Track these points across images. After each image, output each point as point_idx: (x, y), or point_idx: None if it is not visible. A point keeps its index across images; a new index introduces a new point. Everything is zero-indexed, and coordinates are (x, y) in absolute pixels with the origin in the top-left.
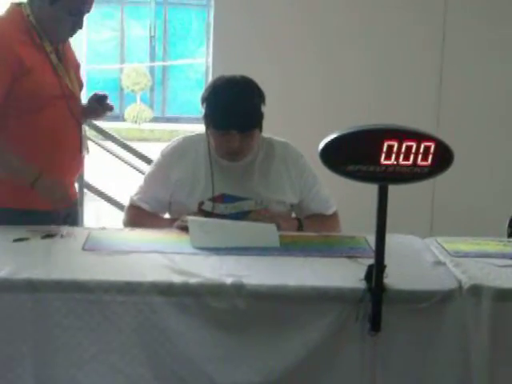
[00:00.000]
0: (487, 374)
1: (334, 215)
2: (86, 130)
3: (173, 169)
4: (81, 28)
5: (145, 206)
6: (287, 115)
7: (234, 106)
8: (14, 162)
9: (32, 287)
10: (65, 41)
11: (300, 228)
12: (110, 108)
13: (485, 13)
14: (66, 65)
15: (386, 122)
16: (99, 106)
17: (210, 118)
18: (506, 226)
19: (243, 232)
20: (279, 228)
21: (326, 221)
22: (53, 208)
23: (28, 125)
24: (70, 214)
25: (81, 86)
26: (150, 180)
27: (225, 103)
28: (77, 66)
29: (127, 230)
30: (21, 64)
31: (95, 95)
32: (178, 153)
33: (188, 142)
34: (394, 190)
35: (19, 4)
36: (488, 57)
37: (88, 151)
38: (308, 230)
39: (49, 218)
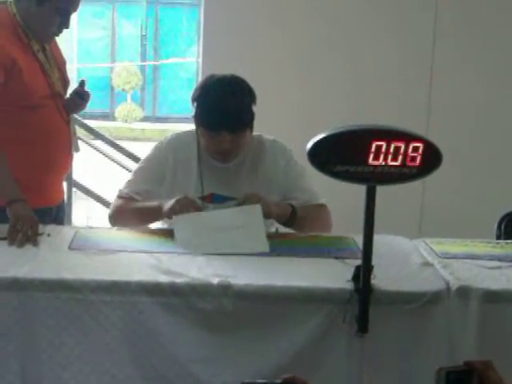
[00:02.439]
0: None
1: (324, 206)
2: (76, 129)
3: (166, 164)
4: (67, 27)
5: (136, 196)
6: (277, 115)
7: (224, 106)
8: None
9: (18, 286)
10: (51, 40)
11: (293, 214)
12: (88, 95)
13: (475, 15)
14: (53, 63)
15: (374, 122)
16: (78, 97)
17: (201, 119)
18: (495, 227)
19: (231, 236)
20: (271, 214)
21: (318, 208)
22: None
23: (19, 124)
24: (59, 212)
25: (67, 83)
26: (143, 173)
27: (215, 104)
28: (63, 63)
29: (114, 229)
30: (13, 63)
31: (74, 90)
32: (171, 149)
33: (180, 139)
34: (382, 190)
35: (4, 2)
36: (478, 59)
37: (78, 149)
38: (301, 215)
39: (41, 214)
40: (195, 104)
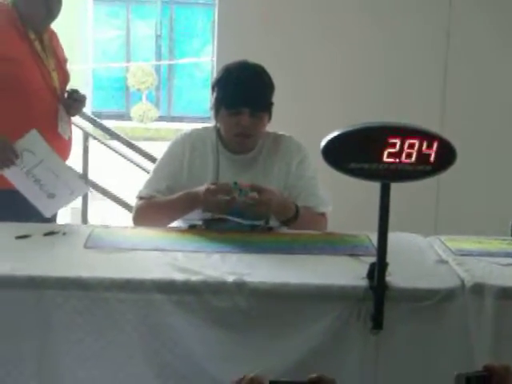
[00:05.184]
0: None
1: (324, 215)
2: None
3: (183, 157)
4: (59, 10)
5: (158, 195)
6: (292, 114)
7: (247, 84)
8: None
9: (34, 284)
10: (46, 25)
11: (293, 217)
12: (81, 99)
13: (490, 10)
14: (50, 54)
15: (389, 119)
16: (72, 101)
17: (222, 98)
18: (510, 224)
19: None
20: (271, 209)
21: (317, 216)
22: None
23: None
24: None
25: (66, 78)
26: (162, 171)
27: (239, 81)
28: (64, 61)
29: (130, 227)
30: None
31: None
32: (188, 142)
33: (197, 132)
34: (398, 187)
35: None
36: (493, 56)
37: (69, 135)
38: (300, 217)
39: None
40: (216, 88)
